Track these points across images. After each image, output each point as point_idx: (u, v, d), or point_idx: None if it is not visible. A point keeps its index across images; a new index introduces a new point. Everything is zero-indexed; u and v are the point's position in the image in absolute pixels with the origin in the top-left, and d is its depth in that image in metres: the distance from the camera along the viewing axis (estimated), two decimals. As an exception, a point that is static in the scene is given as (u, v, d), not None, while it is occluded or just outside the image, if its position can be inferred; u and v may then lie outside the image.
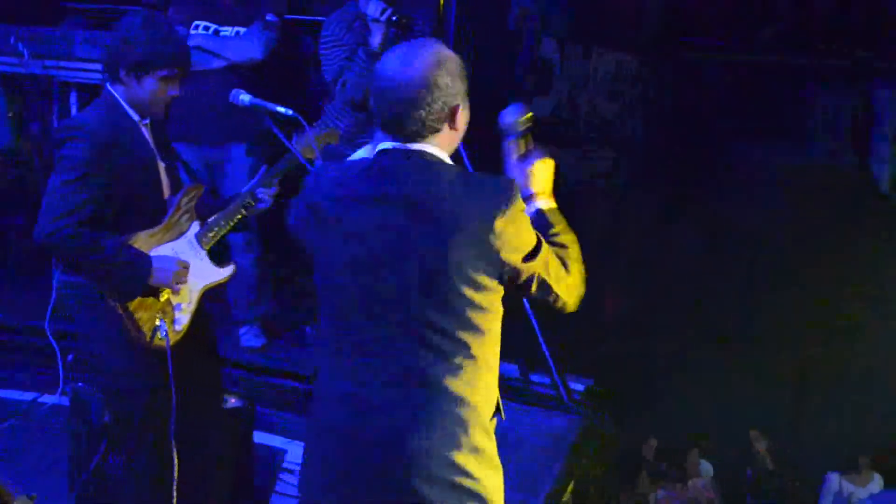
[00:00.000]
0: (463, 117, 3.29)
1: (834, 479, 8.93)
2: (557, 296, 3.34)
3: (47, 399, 6.39)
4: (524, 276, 3.25)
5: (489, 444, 3.29)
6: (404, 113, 3.21)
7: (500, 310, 3.28)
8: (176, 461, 4.67)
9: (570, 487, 6.08)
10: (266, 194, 4.91)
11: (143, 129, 4.68)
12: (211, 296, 4.92)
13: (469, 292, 3.17)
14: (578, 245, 3.41)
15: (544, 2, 7.65)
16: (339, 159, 6.31)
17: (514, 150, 3.54)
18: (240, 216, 4.91)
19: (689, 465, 8.57)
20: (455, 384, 3.19)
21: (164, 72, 4.59)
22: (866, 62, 9.90)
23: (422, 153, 3.25)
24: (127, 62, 4.55)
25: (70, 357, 4.79)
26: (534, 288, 3.29)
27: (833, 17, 9.85)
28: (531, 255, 3.23)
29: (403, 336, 3.21)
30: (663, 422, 8.46)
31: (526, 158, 3.52)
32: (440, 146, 3.27)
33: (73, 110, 7.21)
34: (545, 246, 3.28)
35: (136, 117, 4.64)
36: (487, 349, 3.26)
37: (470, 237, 3.15)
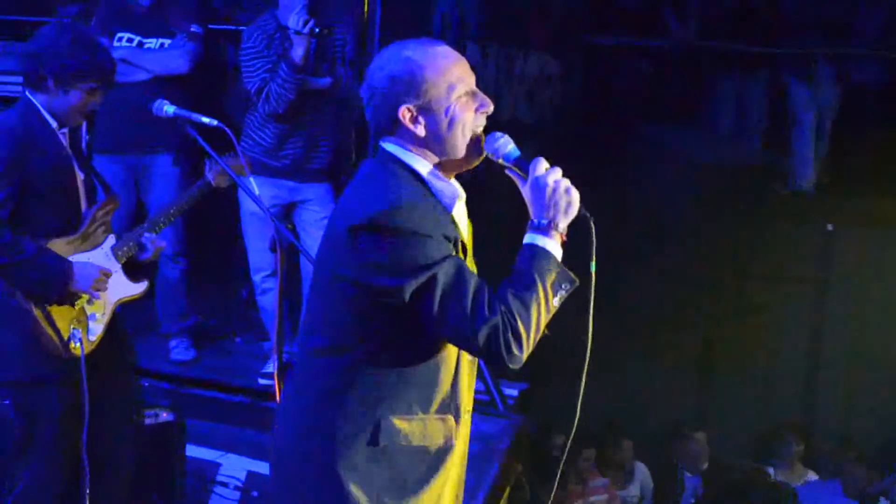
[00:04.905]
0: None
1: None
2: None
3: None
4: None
5: None
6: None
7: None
8: (88, 474, 4.67)
9: (506, 492, 6.10)
10: (150, 241, 4.91)
11: (62, 137, 4.66)
12: (137, 307, 4.89)
13: None
14: (540, 311, 3.09)
15: (465, 6, 7.68)
16: (266, 171, 6.36)
17: (515, 175, 3.27)
18: (154, 234, 4.91)
19: (582, 464, 8.44)
20: None
21: (92, 84, 4.58)
22: (780, 57, 10.05)
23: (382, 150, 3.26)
24: (56, 73, 4.52)
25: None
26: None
27: (747, 11, 9.97)
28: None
29: None
30: (581, 417, 8.41)
31: (529, 181, 3.22)
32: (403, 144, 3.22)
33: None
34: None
35: (54, 125, 4.62)
36: None
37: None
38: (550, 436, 8.27)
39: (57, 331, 4.61)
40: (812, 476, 8.98)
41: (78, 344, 4.63)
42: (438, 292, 3.02)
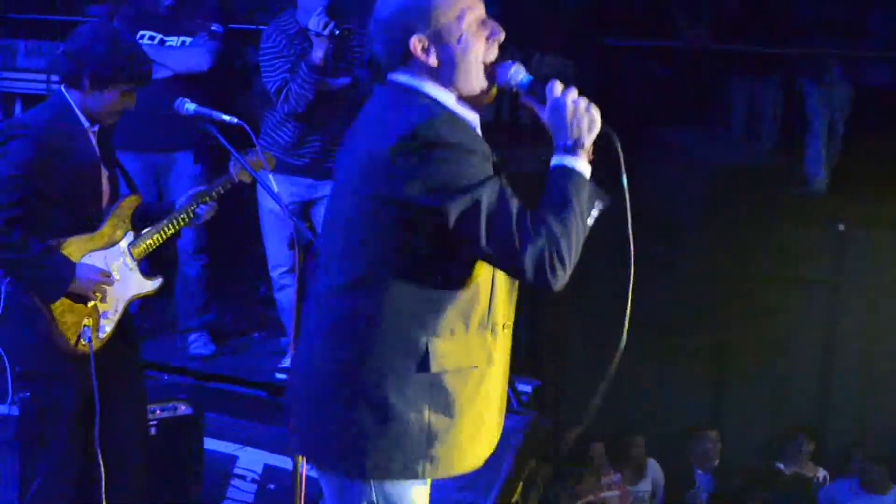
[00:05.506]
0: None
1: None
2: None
3: (-4, 410, 6.35)
4: None
5: None
6: None
7: None
8: (103, 468, 4.73)
9: (518, 487, 6.15)
10: (205, 211, 4.98)
11: (91, 136, 4.70)
12: (158, 304, 4.91)
13: None
14: (578, 231, 3.07)
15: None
16: (285, 169, 6.42)
17: (533, 103, 3.21)
18: (172, 230, 4.95)
19: (595, 460, 8.45)
20: None
21: (127, 86, 4.63)
22: (792, 58, 10.05)
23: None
24: (91, 74, 4.57)
25: (17, 367, 4.79)
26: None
27: (759, 12, 9.96)
28: None
29: None
30: (601, 416, 8.43)
31: (548, 105, 3.16)
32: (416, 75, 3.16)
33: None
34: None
35: (86, 123, 4.65)
36: None
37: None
38: (563, 432, 8.32)
39: (66, 327, 4.65)
40: (823, 473, 9.03)
41: (87, 342, 4.67)
42: (483, 215, 2.98)
